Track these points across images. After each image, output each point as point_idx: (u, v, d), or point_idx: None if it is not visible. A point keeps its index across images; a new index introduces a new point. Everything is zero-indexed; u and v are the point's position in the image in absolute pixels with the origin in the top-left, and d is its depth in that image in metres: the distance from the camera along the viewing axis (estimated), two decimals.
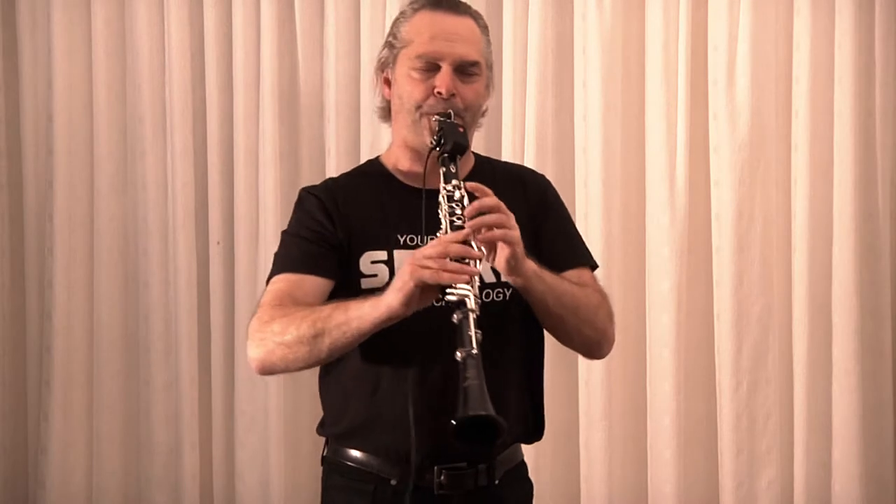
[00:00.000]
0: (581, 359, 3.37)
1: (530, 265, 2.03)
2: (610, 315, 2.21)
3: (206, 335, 3.72)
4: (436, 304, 1.93)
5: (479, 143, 3.52)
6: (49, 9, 3.77)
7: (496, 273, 2.14)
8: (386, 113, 2.27)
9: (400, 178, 2.23)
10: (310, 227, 2.19)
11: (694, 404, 3.36)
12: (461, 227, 1.97)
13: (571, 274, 2.20)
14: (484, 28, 2.25)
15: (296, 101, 3.67)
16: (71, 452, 3.80)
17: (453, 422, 1.78)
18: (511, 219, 1.99)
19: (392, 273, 2.12)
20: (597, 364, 3.35)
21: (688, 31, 3.30)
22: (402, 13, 2.24)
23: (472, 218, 1.97)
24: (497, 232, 1.97)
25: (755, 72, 3.25)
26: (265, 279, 2.20)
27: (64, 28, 3.77)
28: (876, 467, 3.21)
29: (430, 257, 1.92)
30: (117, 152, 3.80)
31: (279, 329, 2.05)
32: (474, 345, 1.85)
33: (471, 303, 1.89)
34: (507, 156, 3.46)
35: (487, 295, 2.13)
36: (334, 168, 3.53)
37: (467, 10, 2.23)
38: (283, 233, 2.24)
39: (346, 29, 3.63)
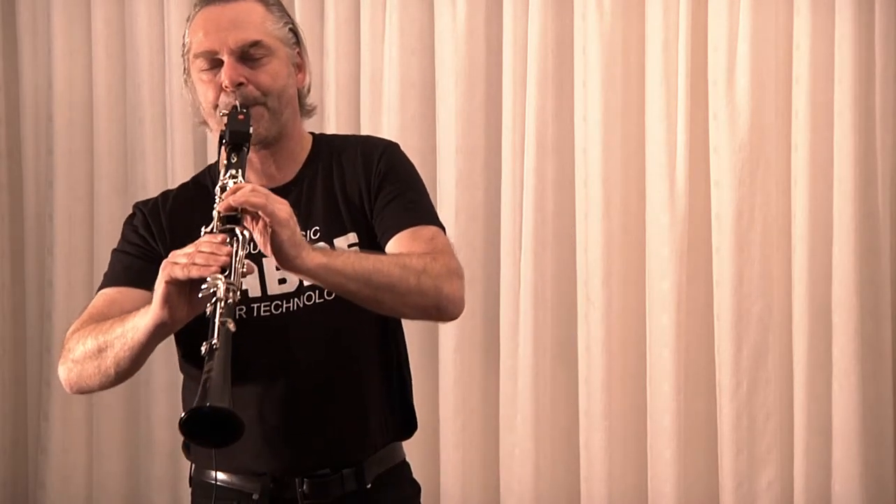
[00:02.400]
0: (581, 358, 3.40)
1: (313, 257, 1.89)
2: (443, 273, 2.00)
3: None
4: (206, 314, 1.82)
5: (478, 144, 3.56)
6: (49, 9, 3.77)
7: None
8: (205, 122, 2.15)
9: None
10: (132, 241, 2.14)
11: (694, 404, 3.35)
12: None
13: (403, 235, 2.05)
14: (274, 5, 2.13)
15: None
16: (71, 452, 3.80)
17: (182, 415, 1.72)
18: (276, 202, 1.87)
19: None
20: (597, 364, 3.35)
21: (688, 31, 3.29)
22: (188, 18, 2.14)
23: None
24: (251, 198, 1.85)
25: (755, 72, 3.24)
26: None
27: (64, 28, 3.77)
28: (876, 467, 3.20)
29: (181, 254, 1.86)
30: (117, 152, 3.79)
31: (72, 346, 2.01)
32: (216, 336, 1.76)
33: (220, 291, 1.79)
34: (506, 156, 3.46)
35: (309, 297, 2.04)
36: None
37: None
38: (112, 251, 2.19)
39: (346, 29, 3.62)
